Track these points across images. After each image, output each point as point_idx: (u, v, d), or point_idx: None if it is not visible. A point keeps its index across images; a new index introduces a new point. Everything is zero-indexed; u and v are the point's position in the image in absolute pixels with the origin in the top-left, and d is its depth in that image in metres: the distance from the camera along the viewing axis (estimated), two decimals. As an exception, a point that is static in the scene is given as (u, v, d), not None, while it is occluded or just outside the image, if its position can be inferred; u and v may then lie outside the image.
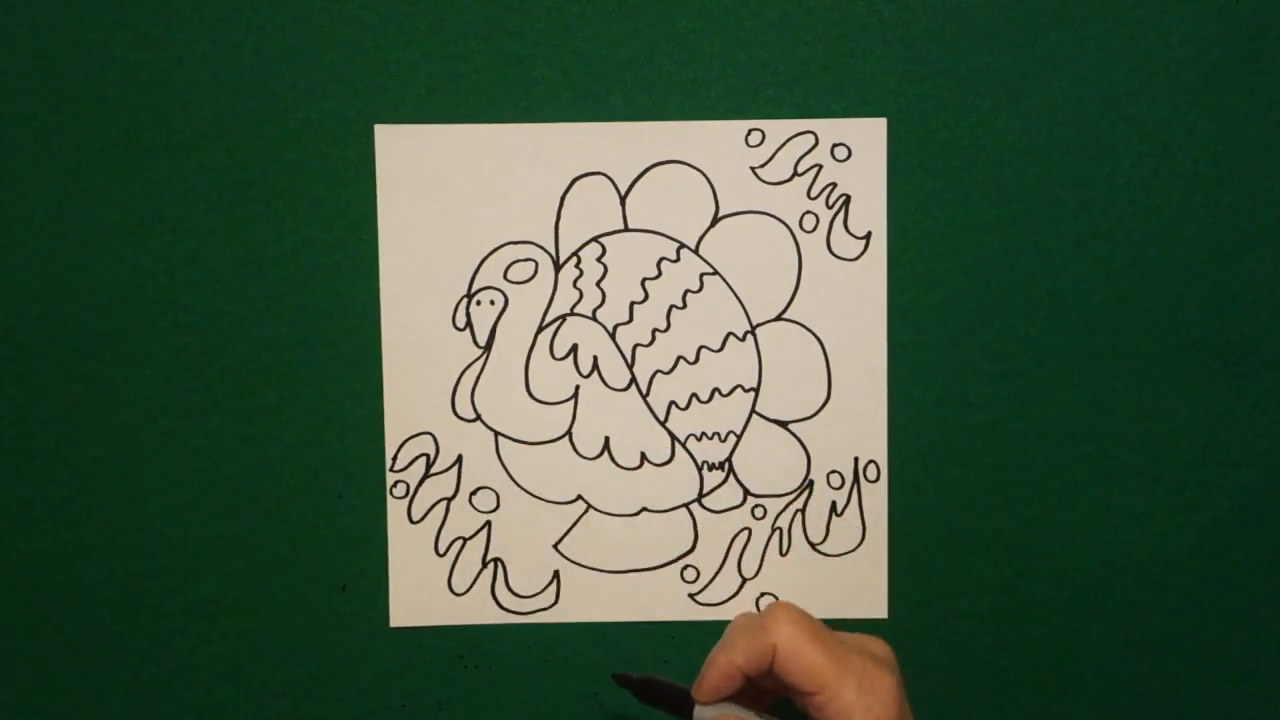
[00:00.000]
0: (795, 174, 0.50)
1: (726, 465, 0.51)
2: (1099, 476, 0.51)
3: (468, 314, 0.50)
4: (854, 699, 0.41)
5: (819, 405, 0.51)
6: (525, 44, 0.49)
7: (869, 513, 0.51)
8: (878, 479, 0.51)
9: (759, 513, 0.51)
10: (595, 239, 0.50)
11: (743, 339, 0.51)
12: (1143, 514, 0.51)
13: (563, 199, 0.50)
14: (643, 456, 0.51)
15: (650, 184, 0.50)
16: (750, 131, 0.50)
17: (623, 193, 0.50)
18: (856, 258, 0.50)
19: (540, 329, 0.51)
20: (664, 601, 0.51)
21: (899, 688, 0.43)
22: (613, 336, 0.51)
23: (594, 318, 0.50)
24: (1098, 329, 0.51)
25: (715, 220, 0.50)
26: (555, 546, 0.51)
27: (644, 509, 0.51)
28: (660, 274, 0.50)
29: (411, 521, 0.51)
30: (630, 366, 0.51)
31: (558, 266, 0.50)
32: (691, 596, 0.51)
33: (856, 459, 0.51)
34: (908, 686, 0.44)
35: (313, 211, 0.50)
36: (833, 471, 0.51)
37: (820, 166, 0.50)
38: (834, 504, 0.51)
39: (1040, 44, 0.50)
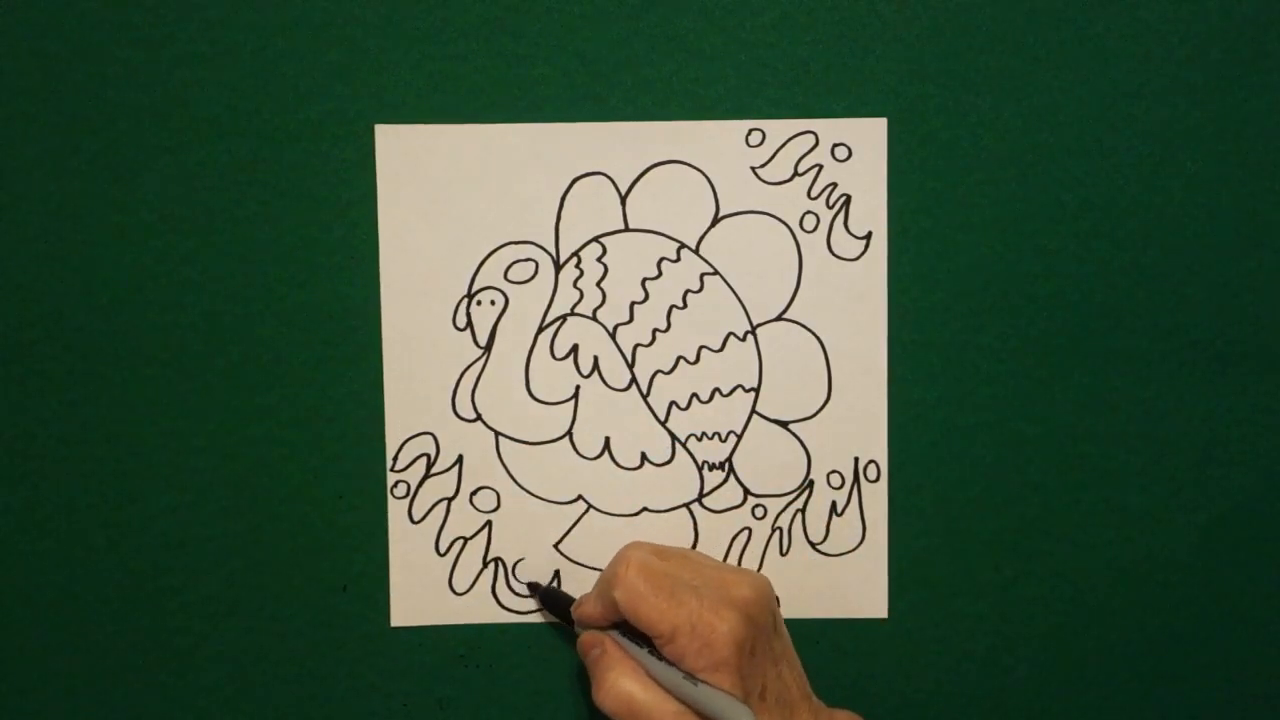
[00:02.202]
0: (795, 174, 0.50)
1: (726, 465, 0.51)
2: (1099, 476, 0.51)
3: (468, 314, 0.50)
4: (685, 643, 0.44)
5: (819, 405, 0.51)
6: (525, 44, 0.49)
7: (869, 513, 0.51)
8: (878, 479, 0.51)
9: (759, 513, 0.51)
10: (595, 239, 0.50)
11: (743, 339, 0.51)
12: (1143, 514, 0.51)
13: (563, 199, 0.50)
14: (643, 456, 0.51)
15: (650, 184, 0.50)
16: (750, 131, 0.50)
17: (623, 193, 0.50)
18: (856, 258, 0.50)
19: (540, 329, 0.51)
20: (664, 601, 0.51)
21: (743, 629, 0.44)
22: (613, 336, 0.51)
23: (594, 318, 0.51)
24: (1098, 329, 0.51)
25: (715, 220, 0.50)
26: (556, 546, 0.51)
27: (644, 509, 0.51)
28: (660, 274, 0.50)
29: (412, 521, 0.51)
30: (630, 366, 0.51)
31: (558, 266, 0.50)
32: (692, 596, 0.51)
33: (856, 459, 0.51)
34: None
35: (313, 211, 0.50)
36: (833, 471, 0.51)
37: (820, 166, 0.50)
38: (834, 504, 0.51)
39: (1040, 44, 0.50)
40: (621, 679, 0.45)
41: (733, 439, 0.51)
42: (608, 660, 0.46)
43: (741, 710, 0.42)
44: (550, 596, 0.50)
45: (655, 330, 0.51)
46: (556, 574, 0.51)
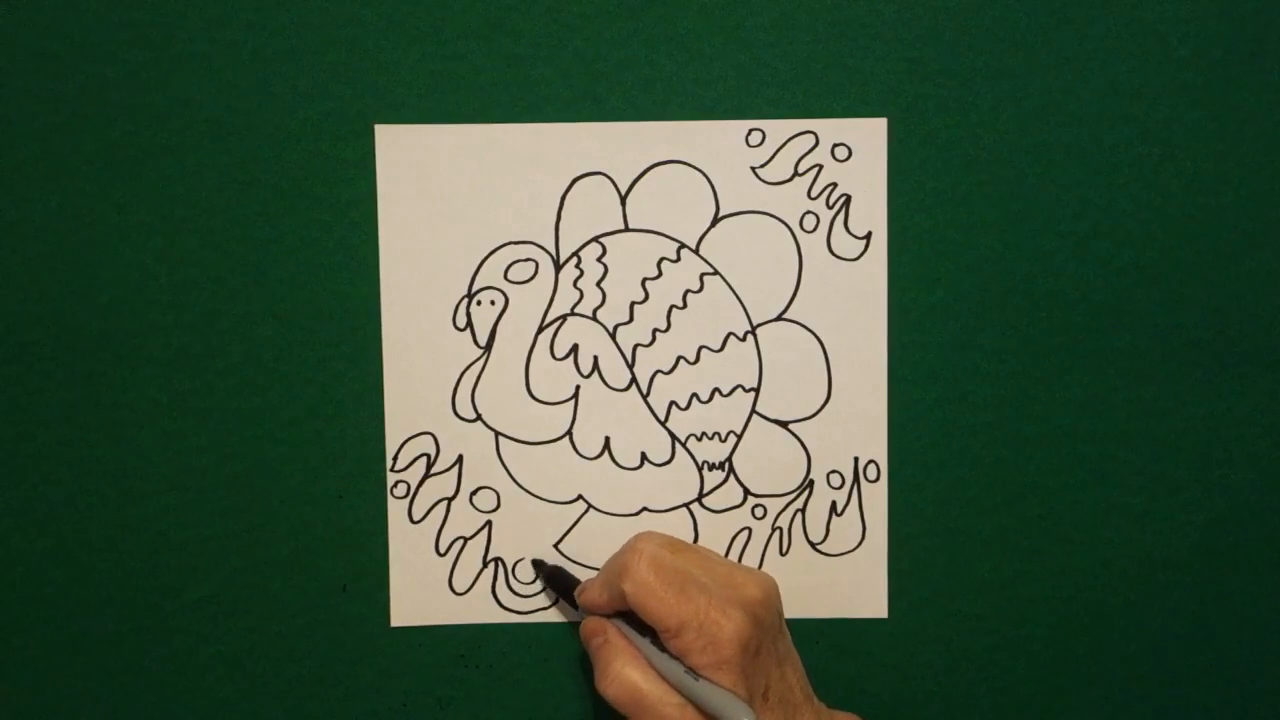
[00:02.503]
0: (795, 174, 0.50)
1: (726, 465, 0.51)
2: (1099, 476, 0.51)
3: (468, 314, 0.50)
4: (691, 640, 0.44)
5: (819, 405, 0.51)
6: (525, 44, 0.49)
7: (869, 513, 0.51)
8: (878, 479, 0.51)
9: (759, 513, 0.51)
10: (595, 239, 0.50)
11: (743, 339, 0.51)
12: (1143, 514, 0.51)
13: (563, 199, 0.50)
14: (643, 456, 0.51)
15: (650, 184, 0.50)
16: (750, 131, 0.50)
17: (623, 193, 0.50)
18: (856, 258, 0.50)
19: (540, 329, 0.51)
20: (664, 601, 0.51)
21: (749, 629, 0.44)
22: (613, 336, 0.51)
23: (594, 318, 0.51)
24: (1098, 329, 0.51)
25: (715, 220, 0.50)
26: (556, 546, 0.51)
27: (644, 509, 0.51)
28: (660, 274, 0.50)
29: (412, 521, 0.51)
30: (630, 366, 0.51)
31: (558, 266, 0.50)
32: (692, 596, 0.51)
33: (856, 459, 0.51)
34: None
35: (313, 211, 0.50)
36: (833, 471, 0.51)
37: (820, 166, 0.50)
38: (834, 504, 0.51)
39: (1040, 44, 0.50)
40: (626, 668, 0.45)
41: (733, 439, 0.51)
42: (612, 649, 0.46)
43: (742, 709, 0.42)
44: (555, 577, 0.50)
45: (655, 330, 0.51)
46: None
